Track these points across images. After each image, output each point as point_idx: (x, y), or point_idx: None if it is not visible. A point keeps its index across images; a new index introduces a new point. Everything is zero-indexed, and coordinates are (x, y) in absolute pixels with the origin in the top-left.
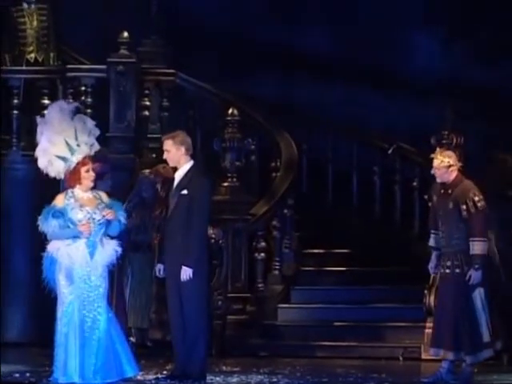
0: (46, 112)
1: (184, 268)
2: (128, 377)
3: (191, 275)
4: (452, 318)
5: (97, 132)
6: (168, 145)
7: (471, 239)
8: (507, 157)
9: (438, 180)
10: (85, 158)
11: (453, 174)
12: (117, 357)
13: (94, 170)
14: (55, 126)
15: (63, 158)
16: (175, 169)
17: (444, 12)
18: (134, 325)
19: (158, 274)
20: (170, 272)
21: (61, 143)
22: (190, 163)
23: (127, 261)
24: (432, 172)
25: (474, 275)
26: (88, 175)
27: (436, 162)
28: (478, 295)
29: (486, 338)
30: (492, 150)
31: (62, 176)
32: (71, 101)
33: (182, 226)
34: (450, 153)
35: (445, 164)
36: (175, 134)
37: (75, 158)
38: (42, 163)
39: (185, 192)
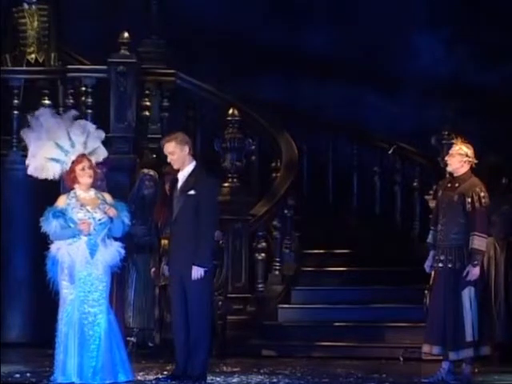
0: (33, 120)
1: (195, 267)
2: (120, 381)
3: (202, 274)
4: (441, 312)
5: (102, 135)
6: (172, 147)
7: (472, 233)
8: (498, 160)
9: (449, 169)
10: (79, 156)
11: (465, 167)
12: (113, 360)
13: (90, 168)
14: (44, 131)
15: (56, 160)
16: (177, 170)
17: (445, 13)
18: (140, 325)
19: (166, 273)
20: (175, 272)
21: (51, 146)
22: (193, 163)
23: (131, 262)
24: (446, 158)
25: (472, 271)
26: (83, 173)
27: (454, 148)
28: (468, 294)
29: (469, 337)
30: (484, 153)
31: (57, 177)
32: (69, 104)
33: (190, 226)
34: (469, 146)
35: (462, 152)
36: (176, 135)
37: (69, 159)
38: (30, 170)
39: (192, 192)
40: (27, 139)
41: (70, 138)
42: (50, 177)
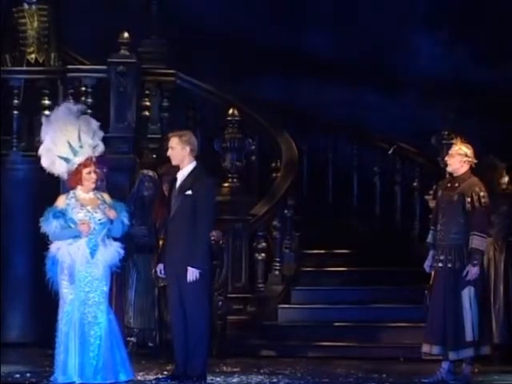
0: (52, 112)
1: (191, 269)
2: (121, 381)
3: (197, 276)
4: (441, 312)
5: (101, 134)
6: (174, 142)
7: (471, 233)
8: (497, 162)
9: (449, 169)
10: (87, 159)
11: (465, 167)
12: (114, 359)
13: (95, 172)
14: (60, 126)
15: (65, 159)
16: (177, 168)
17: (445, 13)
18: (140, 325)
19: (159, 273)
20: (172, 272)
21: (63, 144)
22: (194, 164)
23: (131, 262)
24: (445, 158)
25: (472, 271)
26: (89, 177)
27: (454, 148)
28: (468, 293)
29: (469, 337)
30: (484, 154)
31: (65, 176)
32: (74, 102)
33: (186, 226)
34: (469, 146)
35: (462, 152)
36: (183, 132)
37: (77, 160)
38: (45, 162)
39: (189, 192)
40: (44, 129)
41: (79, 139)
42: (56, 174)
